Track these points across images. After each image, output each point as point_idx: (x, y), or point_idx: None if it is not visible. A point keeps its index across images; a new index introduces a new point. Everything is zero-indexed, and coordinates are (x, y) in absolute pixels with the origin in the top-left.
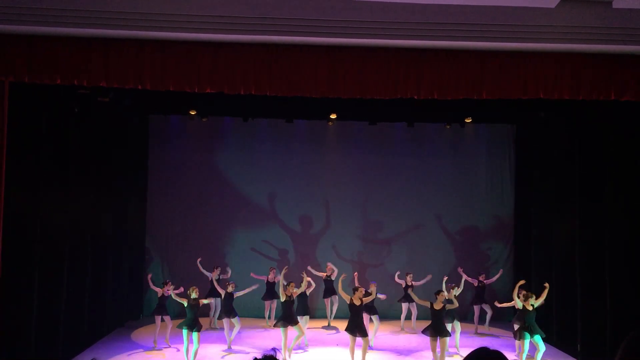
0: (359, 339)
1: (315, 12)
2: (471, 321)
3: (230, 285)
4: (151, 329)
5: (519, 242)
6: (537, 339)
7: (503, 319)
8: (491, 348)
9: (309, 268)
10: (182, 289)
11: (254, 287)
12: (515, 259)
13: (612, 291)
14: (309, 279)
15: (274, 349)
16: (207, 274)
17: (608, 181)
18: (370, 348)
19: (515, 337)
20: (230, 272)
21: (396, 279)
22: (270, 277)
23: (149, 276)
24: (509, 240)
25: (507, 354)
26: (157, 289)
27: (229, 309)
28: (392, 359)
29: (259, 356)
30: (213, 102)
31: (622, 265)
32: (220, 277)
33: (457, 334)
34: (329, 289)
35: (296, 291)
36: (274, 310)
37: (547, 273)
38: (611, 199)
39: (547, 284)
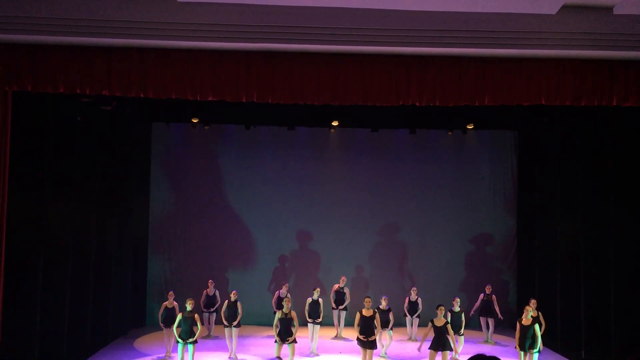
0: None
1: (317, 20)
2: (479, 329)
3: (233, 294)
4: (154, 337)
5: (523, 248)
6: (535, 356)
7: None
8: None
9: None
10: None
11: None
12: (519, 264)
13: (616, 297)
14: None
15: None
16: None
17: (611, 187)
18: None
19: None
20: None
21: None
22: (283, 291)
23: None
24: (512, 245)
25: None
26: (164, 303)
27: (234, 318)
28: None
29: None
30: (215, 109)
31: (627, 271)
32: (216, 293)
33: (460, 346)
34: (340, 301)
35: (292, 313)
36: None
37: (551, 278)
38: (614, 205)
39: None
